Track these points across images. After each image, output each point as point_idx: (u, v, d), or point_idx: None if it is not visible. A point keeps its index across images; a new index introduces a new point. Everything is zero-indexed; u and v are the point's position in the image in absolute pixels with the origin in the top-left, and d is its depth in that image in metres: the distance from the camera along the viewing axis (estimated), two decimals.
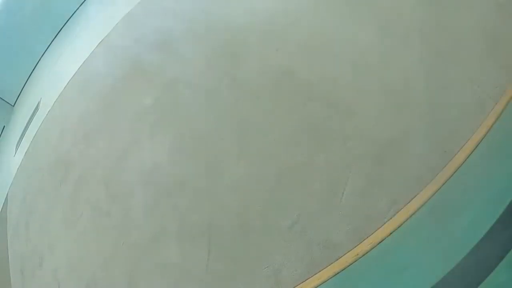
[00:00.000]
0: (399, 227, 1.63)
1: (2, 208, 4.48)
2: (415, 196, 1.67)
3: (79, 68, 5.25)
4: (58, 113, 4.90)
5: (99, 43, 5.25)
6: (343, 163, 1.92)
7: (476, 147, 1.64)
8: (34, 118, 5.48)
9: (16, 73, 7.04)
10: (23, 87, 7.13)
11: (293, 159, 2.08)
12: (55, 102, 5.18)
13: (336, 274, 1.68)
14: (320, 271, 1.73)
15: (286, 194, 2.00)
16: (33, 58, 7.25)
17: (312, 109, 2.20)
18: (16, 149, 5.34)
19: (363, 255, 1.66)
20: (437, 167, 1.69)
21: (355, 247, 1.70)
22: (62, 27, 7.40)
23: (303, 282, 1.75)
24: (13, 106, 7.01)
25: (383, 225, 1.68)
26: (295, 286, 1.76)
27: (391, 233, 1.64)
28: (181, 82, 3.17)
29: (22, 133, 5.50)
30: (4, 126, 6.60)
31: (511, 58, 1.80)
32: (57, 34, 7.38)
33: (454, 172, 1.63)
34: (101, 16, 6.26)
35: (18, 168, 4.77)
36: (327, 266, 1.72)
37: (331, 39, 2.43)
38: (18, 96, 7.07)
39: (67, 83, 5.23)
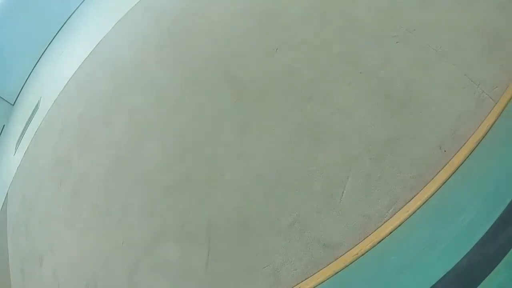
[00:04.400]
0: (398, 226, 1.63)
1: (2, 208, 4.48)
2: (414, 196, 1.67)
3: (78, 68, 5.25)
4: (57, 113, 4.89)
5: (98, 42, 5.25)
6: (342, 162, 1.92)
7: (476, 147, 1.64)
8: (34, 118, 5.48)
9: (16, 72, 7.03)
10: (23, 86, 7.12)
11: (293, 159, 2.08)
12: (54, 101, 5.18)
13: (335, 274, 1.68)
14: (319, 270, 1.73)
15: (286, 193, 2.00)
16: (33, 58, 7.25)
17: (312, 109, 2.20)
18: (16, 148, 5.34)
19: (363, 254, 1.66)
20: (437, 167, 1.69)
21: (354, 246, 1.70)
22: (62, 27, 7.40)
23: (302, 281, 1.75)
24: (13, 105, 7.00)
25: (382, 224, 1.68)
26: (295, 286, 1.76)
27: (390, 233, 1.64)
28: (181, 82, 3.17)
29: (22, 132, 5.50)
30: (4, 125, 6.60)
31: (511, 58, 1.80)
32: (56, 34, 7.38)
33: (454, 172, 1.63)
34: (100, 15, 6.26)
35: (18, 168, 4.77)
36: (326, 266, 1.72)
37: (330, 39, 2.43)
38: (18, 96, 7.07)
39: (67, 83, 5.23)
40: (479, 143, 1.64)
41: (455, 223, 1.40)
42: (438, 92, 1.87)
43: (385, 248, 1.62)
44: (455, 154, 1.68)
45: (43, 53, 7.27)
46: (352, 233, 1.73)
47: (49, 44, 7.32)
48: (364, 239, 1.69)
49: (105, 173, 3.13)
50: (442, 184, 1.63)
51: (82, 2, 7.42)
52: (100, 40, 5.23)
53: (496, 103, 1.71)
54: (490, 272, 1.11)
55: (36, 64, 7.23)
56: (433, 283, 1.24)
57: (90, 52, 5.24)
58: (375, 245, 1.65)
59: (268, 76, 2.55)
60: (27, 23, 6.99)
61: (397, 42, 2.13)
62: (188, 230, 2.25)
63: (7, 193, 4.61)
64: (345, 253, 1.70)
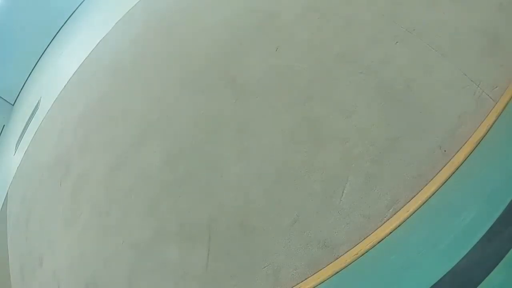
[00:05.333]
0: (398, 226, 1.64)
1: (2, 208, 4.49)
2: (415, 196, 1.68)
3: (78, 68, 5.26)
4: (57, 113, 4.90)
5: (98, 42, 5.25)
6: (342, 162, 1.92)
7: (476, 147, 1.64)
8: (33, 118, 5.49)
9: (16, 72, 7.05)
10: (23, 86, 7.14)
11: (293, 158, 2.08)
12: (54, 101, 5.19)
13: (335, 274, 1.68)
14: (319, 270, 1.73)
15: (286, 193, 2.00)
16: (33, 58, 7.26)
17: (312, 109, 2.20)
18: (16, 148, 5.35)
19: (363, 254, 1.66)
20: (437, 167, 1.69)
21: (354, 246, 1.70)
22: (62, 27, 7.40)
23: (302, 281, 1.75)
24: (13, 105, 7.02)
25: (382, 224, 1.68)
26: (295, 285, 1.76)
27: (390, 233, 1.64)
28: (181, 82, 3.17)
29: (22, 132, 5.51)
30: (4, 125, 6.62)
31: (511, 58, 1.80)
32: (57, 34, 7.38)
33: (454, 172, 1.63)
34: (100, 15, 6.26)
35: (18, 168, 4.78)
36: (326, 266, 1.72)
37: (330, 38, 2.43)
38: (18, 95, 7.08)
39: (67, 83, 5.24)
40: (479, 143, 1.64)
41: (455, 223, 1.40)
42: (438, 92, 1.87)
43: (385, 248, 1.62)
44: (455, 154, 1.68)
45: (43, 53, 7.27)
46: (352, 233, 1.73)
47: (49, 44, 7.33)
48: (364, 239, 1.69)
49: (105, 173, 3.13)
50: (442, 184, 1.62)
51: (82, 2, 7.43)
52: (100, 40, 5.23)
53: (496, 103, 1.71)
54: (490, 272, 1.12)
55: (36, 64, 7.23)
56: (433, 283, 1.24)
57: (90, 52, 5.25)
58: (375, 245, 1.64)
59: (268, 76, 2.55)
60: (27, 23, 7.00)
61: (397, 42, 2.13)
62: (188, 230, 2.25)
63: (7, 193, 4.61)
64: (345, 253, 1.70)
